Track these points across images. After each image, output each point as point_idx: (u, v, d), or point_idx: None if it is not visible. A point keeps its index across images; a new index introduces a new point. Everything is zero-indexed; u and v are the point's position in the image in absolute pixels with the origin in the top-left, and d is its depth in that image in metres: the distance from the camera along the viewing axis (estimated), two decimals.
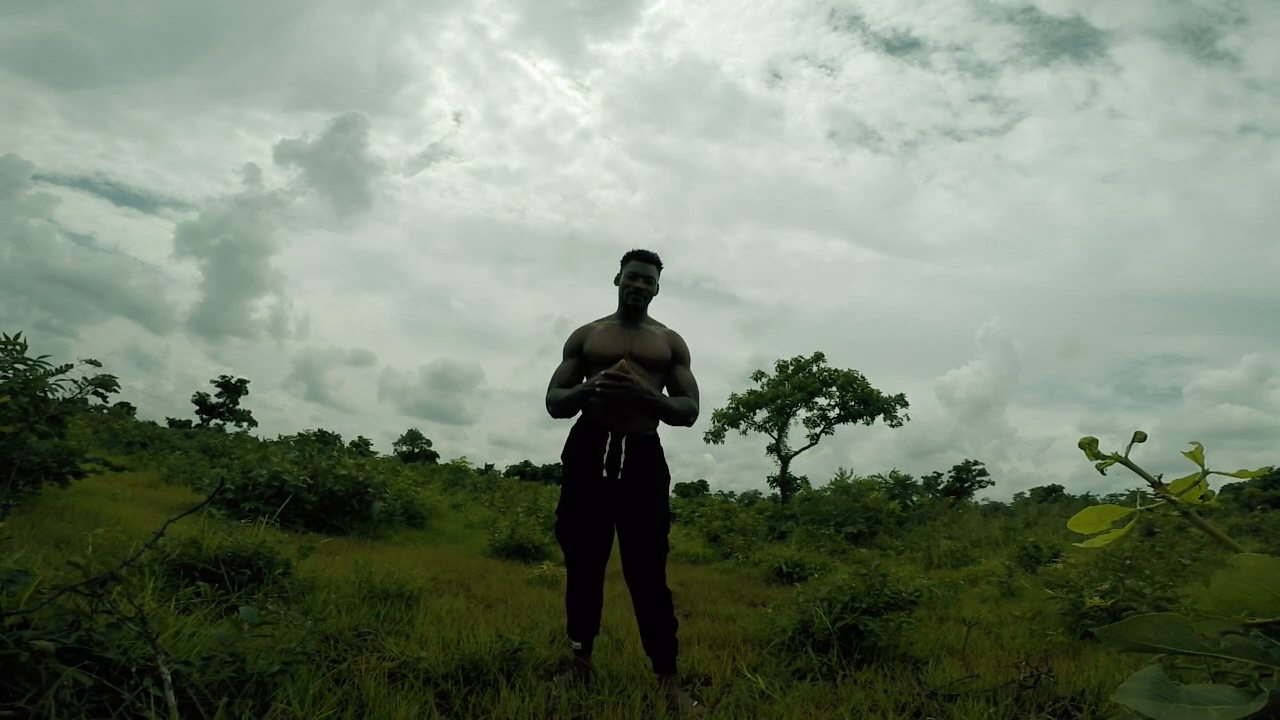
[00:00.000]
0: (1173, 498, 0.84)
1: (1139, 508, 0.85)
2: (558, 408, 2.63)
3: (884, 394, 21.40)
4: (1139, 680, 0.71)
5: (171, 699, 1.54)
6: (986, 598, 5.51)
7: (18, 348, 3.79)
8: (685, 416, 2.65)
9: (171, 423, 36.32)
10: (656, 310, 2.90)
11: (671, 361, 2.74)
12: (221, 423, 39.20)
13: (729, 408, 22.23)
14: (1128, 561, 4.02)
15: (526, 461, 49.50)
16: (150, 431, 19.79)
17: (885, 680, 2.78)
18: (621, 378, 2.45)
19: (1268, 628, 0.80)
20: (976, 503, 25.47)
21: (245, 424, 39.35)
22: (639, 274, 2.76)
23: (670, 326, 2.87)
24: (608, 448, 2.58)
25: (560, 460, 2.78)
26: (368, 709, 2.03)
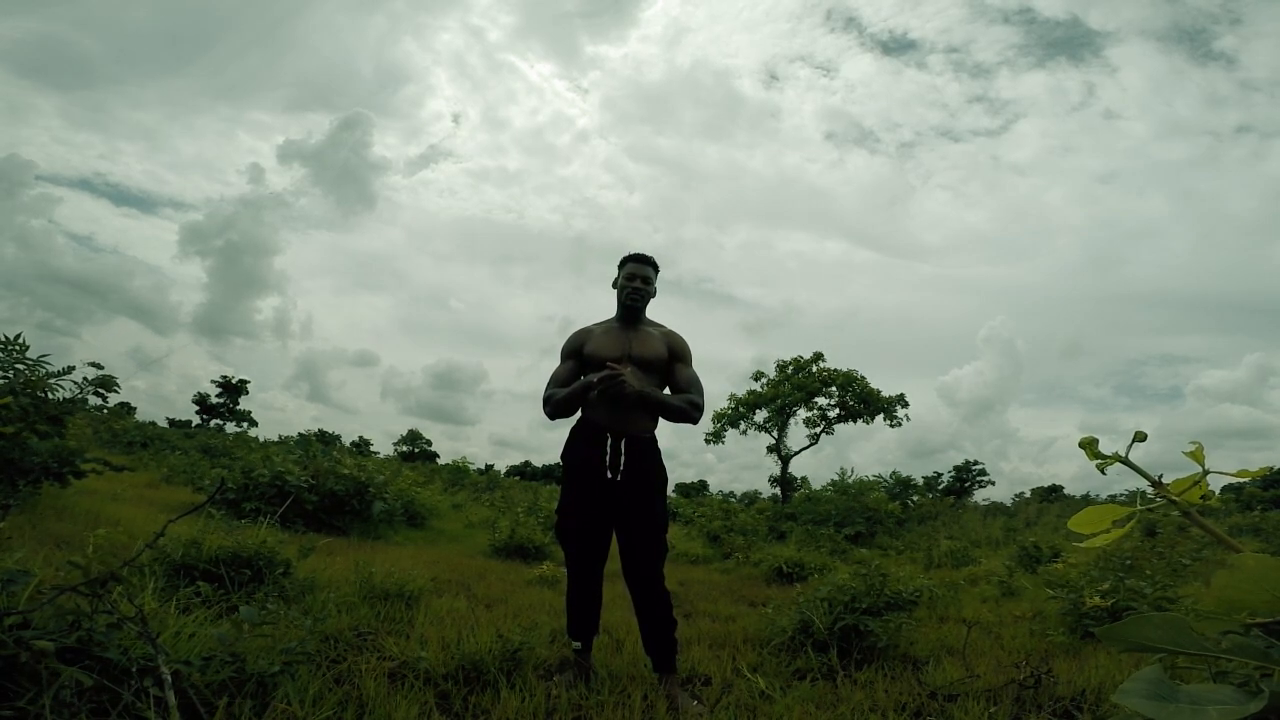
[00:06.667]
0: (1173, 497, 0.84)
1: (1139, 508, 0.85)
2: (555, 407, 2.64)
3: (884, 394, 21.41)
4: (1139, 680, 0.71)
5: (172, 699, 1.54)
6: (987, 598, 5.51)
7: (19, 348, 3.79)
8: (687, 413, 2.64)
9: (172, 423, 36.31)
10: (656, 311, 2.91)
11: (670, 360, 2.74)
12: (222, 423, 39.19)
13: (729, 408, 22.24)
14: (1128, 561, 4.02)
15: (527, 462, 49.52)
16: (150, 431, 19.78)
17: (885, 680, 2.78)
18: (615, 374, 2.46)
19: (1268, 628, 0.80)
20: (977, 503, 25.46)
21: (245, 424, 39.35)
22: (636, 275, 2.77)
23: (670, 327, 2.88)
24: (608, 449, 2.59)
25: (560, 460, 2.78)
26: (368, 709, 2.03)
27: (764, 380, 22.38)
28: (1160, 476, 0.86)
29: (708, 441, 22.86)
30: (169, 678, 1.57)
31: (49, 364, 3.83)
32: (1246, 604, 0.80)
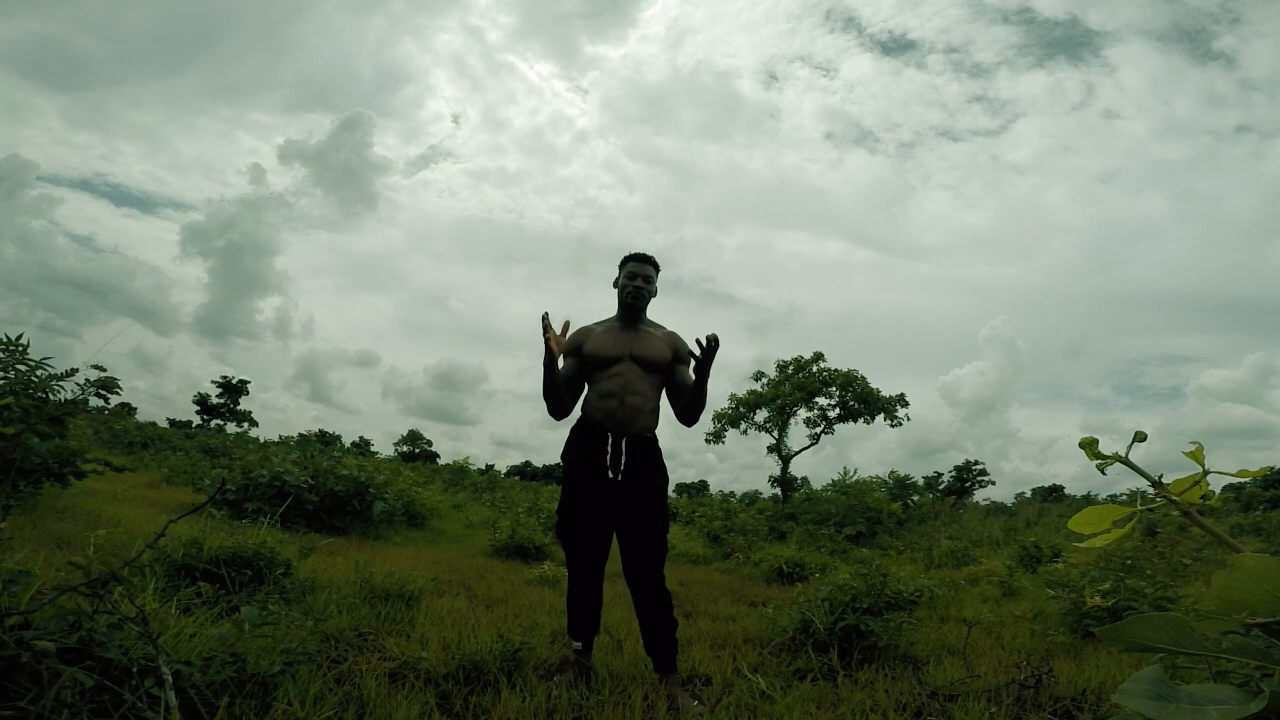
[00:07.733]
0: (1173, 497, 0.84)
1: (1140, 508, 0.85)
2: (555, 398, 2.65)
3: (884, 394, 21.37)
4: (1139, 680, 0.71)
5: (172, 699, 1.54)
6: (987, 597, 5.50)
7: (20, 349, 3.79)
8: (698, 411, 2.69)
9: (172, 423, 36.34)
10: (657, 311, 2.91)
11: (672, 362, 2.75)
12: (222, 423, 39.19)
13: (729, 408, 22.22)
14: (1129, 561, 4.02)
15: (528, 461, 49.43)
16: (151, 432, 19.81)
17: (886, 680, 2.78)
18: (714, 336, 2.48)
19: (1268, 628, 0.80)
20: (977, 502, 25.44)
21: (246, 424, 39.35)
22: (637, 274, 2.78)
23: (669, 328, 2.88)
24: (609, 449, 2.59)
25: (560, 460, 2.78)
26: (368, 709, 2.03)
27: (764, 380, 22.34)
28: (1160, 476, 0.86)
29: (708, 441, 22.80)
30: (170, 678, 1.57)
31: (51, 365, 3.83)
32: (1247, 604, 0.79)
